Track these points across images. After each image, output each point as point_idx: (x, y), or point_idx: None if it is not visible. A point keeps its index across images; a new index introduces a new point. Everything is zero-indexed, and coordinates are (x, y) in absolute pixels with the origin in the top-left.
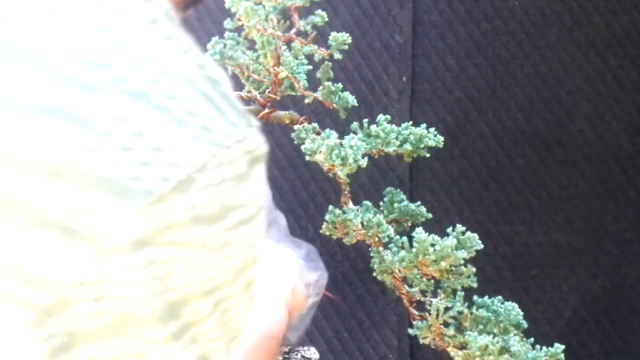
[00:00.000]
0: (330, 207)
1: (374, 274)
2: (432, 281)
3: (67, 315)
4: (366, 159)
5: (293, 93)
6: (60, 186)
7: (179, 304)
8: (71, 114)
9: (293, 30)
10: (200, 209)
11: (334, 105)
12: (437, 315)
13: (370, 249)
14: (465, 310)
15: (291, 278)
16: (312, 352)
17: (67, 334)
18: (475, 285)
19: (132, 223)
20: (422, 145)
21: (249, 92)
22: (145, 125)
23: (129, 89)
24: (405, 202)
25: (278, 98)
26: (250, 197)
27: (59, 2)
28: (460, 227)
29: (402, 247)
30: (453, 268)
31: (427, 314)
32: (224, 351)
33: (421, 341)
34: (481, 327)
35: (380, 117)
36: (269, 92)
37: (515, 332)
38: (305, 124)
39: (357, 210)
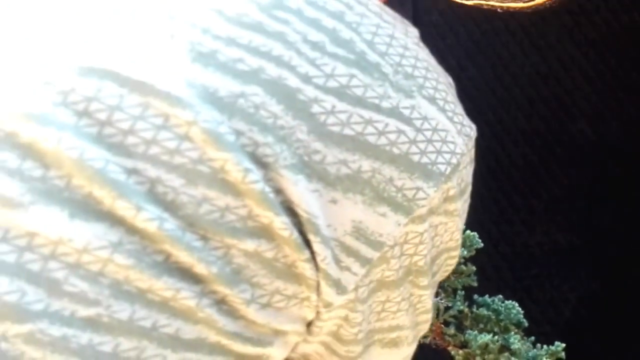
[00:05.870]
0: None
1: None
2: None
3: (382, 268)
4: None
5: None
6: (393, 169)
7: (435, 258)
8: (403, 116)
9: None
10: (461, 185)
11: None
12: (438, 314)
13: None
14: (466, 309)
15: None
16: None
17: (377, 282)
18: (475, 284)
19: (431, 198)
20: None
21: None
22: (437, 121)
23: (425, 93)
24: None
25: None
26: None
27: None
28: None
29: None
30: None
31: None
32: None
33: (421, 340)
34: (481, 326)
35: None
36: None
37: (516, 330)
38: None
39: None
